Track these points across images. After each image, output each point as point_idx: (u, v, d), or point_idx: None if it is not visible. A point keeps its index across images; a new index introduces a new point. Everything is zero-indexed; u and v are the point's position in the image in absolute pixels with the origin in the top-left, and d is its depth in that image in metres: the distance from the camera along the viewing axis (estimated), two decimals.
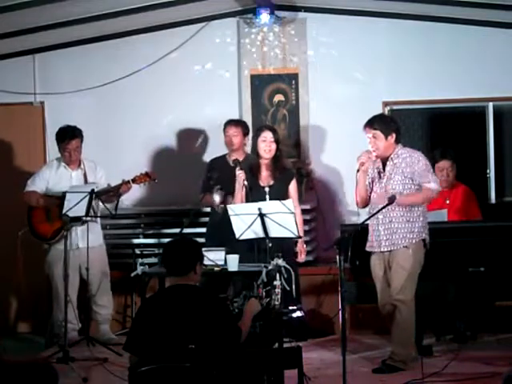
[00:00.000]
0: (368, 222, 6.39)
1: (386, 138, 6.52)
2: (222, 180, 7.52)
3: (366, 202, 6.66)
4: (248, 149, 7.66)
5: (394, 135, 6.54)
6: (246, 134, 7.83)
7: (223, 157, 7.88)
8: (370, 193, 6.63)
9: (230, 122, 7.86)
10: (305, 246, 7.34)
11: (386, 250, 6.50)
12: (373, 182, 6.64)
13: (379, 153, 6.55)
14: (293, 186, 7.24)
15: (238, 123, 7.89)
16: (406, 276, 6.42)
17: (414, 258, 6.44)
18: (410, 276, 6.44)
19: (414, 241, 6.45)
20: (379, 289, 6.58)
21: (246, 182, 7.03)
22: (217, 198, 7.45)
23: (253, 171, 7.22)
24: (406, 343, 6.47)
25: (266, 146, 7.17)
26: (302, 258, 7.24)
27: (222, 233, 7.22)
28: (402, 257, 6.43)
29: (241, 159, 7.53)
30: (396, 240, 6.46)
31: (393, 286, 6.44)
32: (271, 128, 7.40)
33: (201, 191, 7.80)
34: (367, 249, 6.62)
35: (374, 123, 6.57)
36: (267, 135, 7.18)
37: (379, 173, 6.60)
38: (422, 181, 6.47)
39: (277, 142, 7.20)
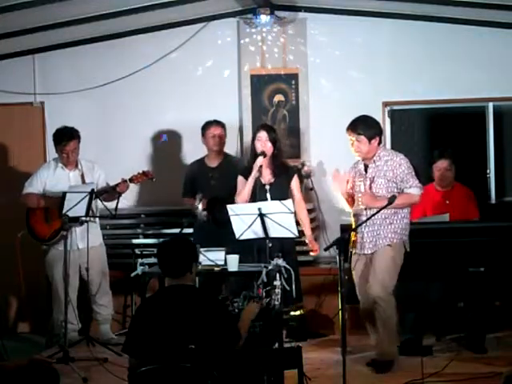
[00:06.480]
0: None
1: (370, 141, 6.53)
2: (200, 184, 7.61)
3: (353, 202, 6.65)
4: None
5: (377, 138, 6.56)
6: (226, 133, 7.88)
7: (202, 160, 7.88)
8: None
9: (215, 123, 7.81)
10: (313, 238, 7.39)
11: (369, 252, 6.54)
12: (354, 184, 6.62)
13: (362, 155, 6.58)
14: (295, 183, 7.28)
15: (221, 123, 7.85)
16: (385, 273, 6.43)
17: (394, 256, 6.46)
18: (390, 274, 6.45)
19: (395, 240, 6.49)
20: (359, 286, 6.58)
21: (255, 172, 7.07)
22: (200, 205, 7.45)
23: (251, 170, 7.23)
24: (392, 340, 6.51)
25: (261, 145, 7.20)
26: (315, 251, 7.32)
27: (207, 234, 7.30)
28: (383, 255, 6.46)
29: (220, 161, 7.69)
30: (379, 242, 6.50)
31: (371, 281, 6.43)
32: (267, 127, 7.38)
33: (182, 195, 7.85)
34: (350, 249, 6.61)
35: (357, 128, 6.55)
36: (262, 135, 7.22)
37: (360, 174, 6.61)
38: (404, 185, 6.49)
39: (273, 141, 7.22)
